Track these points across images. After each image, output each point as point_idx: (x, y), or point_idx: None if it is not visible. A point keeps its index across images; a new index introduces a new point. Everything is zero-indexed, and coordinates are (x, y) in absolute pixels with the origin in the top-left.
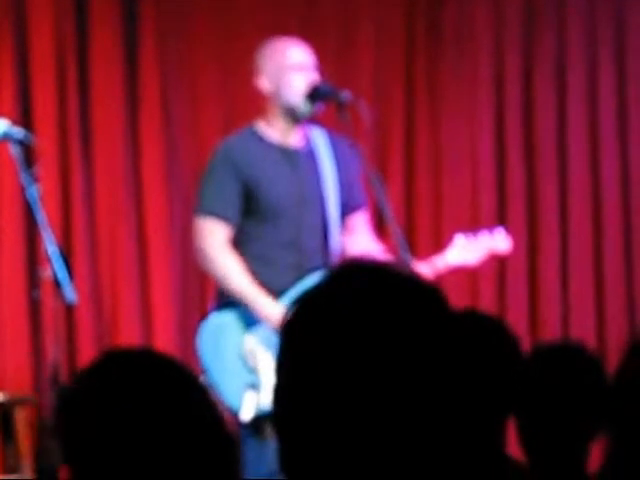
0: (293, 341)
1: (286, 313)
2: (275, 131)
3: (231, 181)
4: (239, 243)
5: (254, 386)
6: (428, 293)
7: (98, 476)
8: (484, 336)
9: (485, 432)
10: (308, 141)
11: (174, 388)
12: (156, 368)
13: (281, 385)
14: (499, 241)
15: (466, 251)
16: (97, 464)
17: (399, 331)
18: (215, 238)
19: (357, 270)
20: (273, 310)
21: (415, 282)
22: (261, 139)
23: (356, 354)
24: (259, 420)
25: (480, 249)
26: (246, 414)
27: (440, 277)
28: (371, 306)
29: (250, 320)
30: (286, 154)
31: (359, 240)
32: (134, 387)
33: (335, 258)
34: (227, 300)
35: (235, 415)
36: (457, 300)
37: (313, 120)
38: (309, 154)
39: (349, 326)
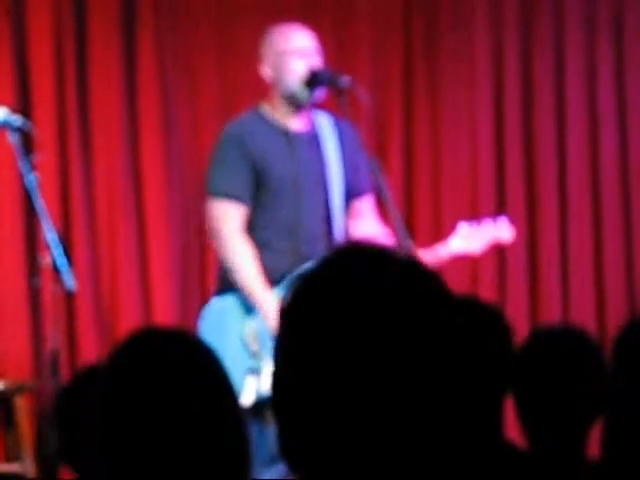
0: (291, 324)
1: (284, 296)
2: (278, 115)
3: (242, 162)
4: None
5: (255, 370)
6: (427, 277)
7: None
8: (480, 323)
9: (482, 417)
10: (312, 126)
11: (206, 369)
12: (190, 349)
13: (279, 368)
14: (502, 230)
15: (470, 240)
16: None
17: (398, 314)
18: (231, 221)
19: (356, 253)
20: (272, 307)
21: (415, 266)
22: (265, 122)
23: (354, 337)
24: (260, 405)
25: (483, 238)
26: (247, 398)
27: (441, 264)
28: (370, 289)
29: (252, 304)
30: (287, 138)
31: (365, 225)
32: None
33: (339, 244)
34: (228, 285)
35: None
36: (457, 287)
37: (318, 105)
38: (312, 139)
39: (347, 309)
